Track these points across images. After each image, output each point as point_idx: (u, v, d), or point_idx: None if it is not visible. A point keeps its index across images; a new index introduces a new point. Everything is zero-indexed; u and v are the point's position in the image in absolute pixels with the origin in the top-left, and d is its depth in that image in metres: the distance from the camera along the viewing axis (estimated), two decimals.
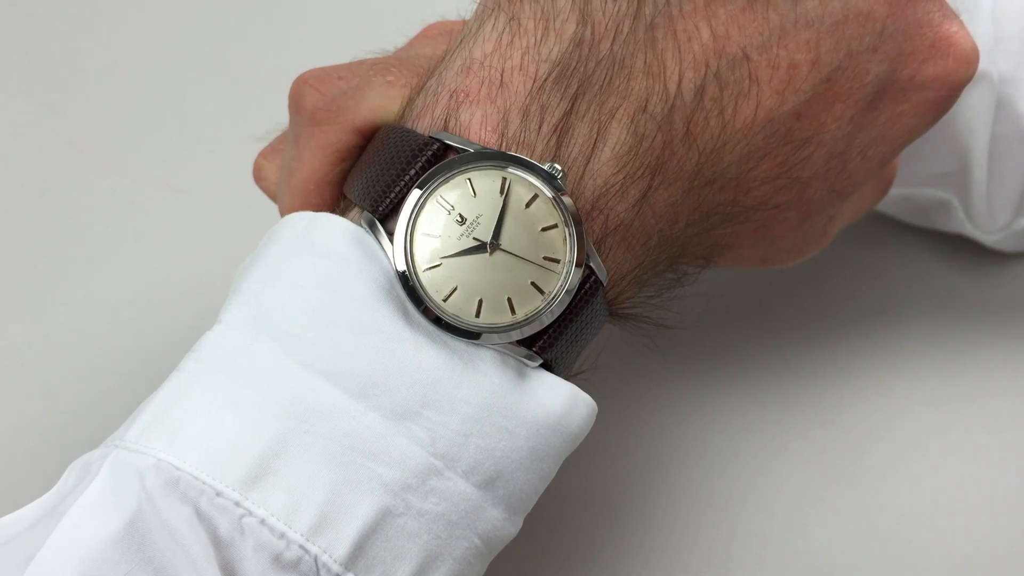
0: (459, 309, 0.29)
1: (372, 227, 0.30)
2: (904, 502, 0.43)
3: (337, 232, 0.30)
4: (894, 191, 0.45)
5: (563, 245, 0.30)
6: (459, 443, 0.29)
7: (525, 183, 0.30)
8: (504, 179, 0.30)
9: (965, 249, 0.49)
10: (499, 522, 0.30)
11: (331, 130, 0.33)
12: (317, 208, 0.34)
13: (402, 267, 0.29)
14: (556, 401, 0.30)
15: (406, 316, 0.29)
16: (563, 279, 0.30)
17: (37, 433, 0.44)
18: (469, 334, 0.29)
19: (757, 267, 0.39)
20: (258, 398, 0.28)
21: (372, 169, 0.31)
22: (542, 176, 0.29)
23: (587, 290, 0.30)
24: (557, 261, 0.30)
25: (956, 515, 0.43)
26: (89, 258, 0.50)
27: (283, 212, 0.35)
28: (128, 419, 0.29)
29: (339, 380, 0.28)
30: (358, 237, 0.30)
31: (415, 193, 0.30)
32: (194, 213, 0.52)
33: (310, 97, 0.34)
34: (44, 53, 0.58)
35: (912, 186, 0.46)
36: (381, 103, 0.33)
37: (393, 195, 0.30)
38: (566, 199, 0.29)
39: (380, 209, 0.30)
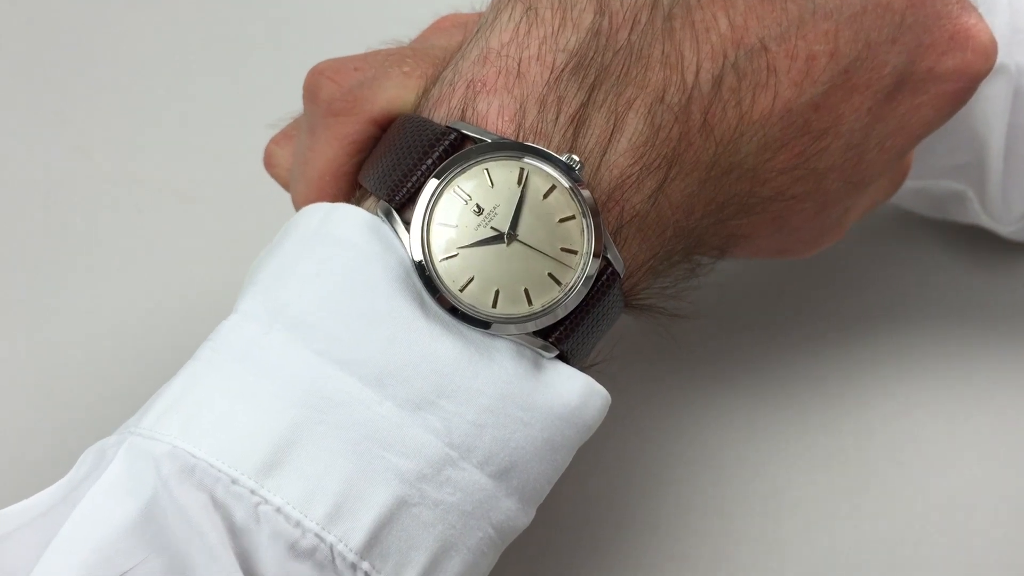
0: (475, 299, 0.29)
1: (388, 216, 0.30)
2: (911, 508, 0.43)
3: (354, 222, 0.30)
4: (909, 183, 0.45)
5: (580, 236, 0.29)
6: (474, 434, 0.29)
7: (543, 174, 0.29)
8: (522, 170, 0.30)
9: (977, 254, 0.49)
10: (513, 512, 0.30)
11: (348, 121, 0.33)
12: (333, 199, 0.34)
13: (419, 256, 0.29)
14: (571, 392, 0.30)
15: (422, 306, 0.29)
16: (580, 271, 0.29)
17: (41, 441, 0.44)
18: (485, 324, 0.29)
19: (773, 258, 0.39)
20: (273, 387, 0.28)
21: (388, 158, 0.31)
22: (560, 167, 0.29)
23: (604, 282, 0.30)
24: (574, 252, 0.29)
25: (964, 521, 0.42)
26: (95, 266, 0.50)
27: (298, 202, 0.35)
28: (143, 407, 0.29)
29: (354, 369, 0.28)
30: (374, 227, 0.30)
31: (432, 183, 0.30)
32: (201, 221, 0.51)
33: (327, 88, 0.34)
34: (49, 59, 0.58)
35: (928, 178, 0.45)
36: (398, 93, 0.33)
37: (410, 184, 0.30)
38: (584, 191, 0.29)
39: (396, 198, 0.30)
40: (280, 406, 0.28)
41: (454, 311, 0.29)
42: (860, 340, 0.47)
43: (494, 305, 0.29)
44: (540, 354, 0.30)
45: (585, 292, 0.29)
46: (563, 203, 0.29)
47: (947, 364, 0.47)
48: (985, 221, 0.46)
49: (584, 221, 0.29)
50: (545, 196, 0.30)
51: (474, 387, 0.29)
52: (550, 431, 0.29)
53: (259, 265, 0.31)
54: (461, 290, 0.29)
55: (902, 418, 0.45)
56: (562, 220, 0.30)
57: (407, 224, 0.30)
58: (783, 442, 0.44)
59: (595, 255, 0.29)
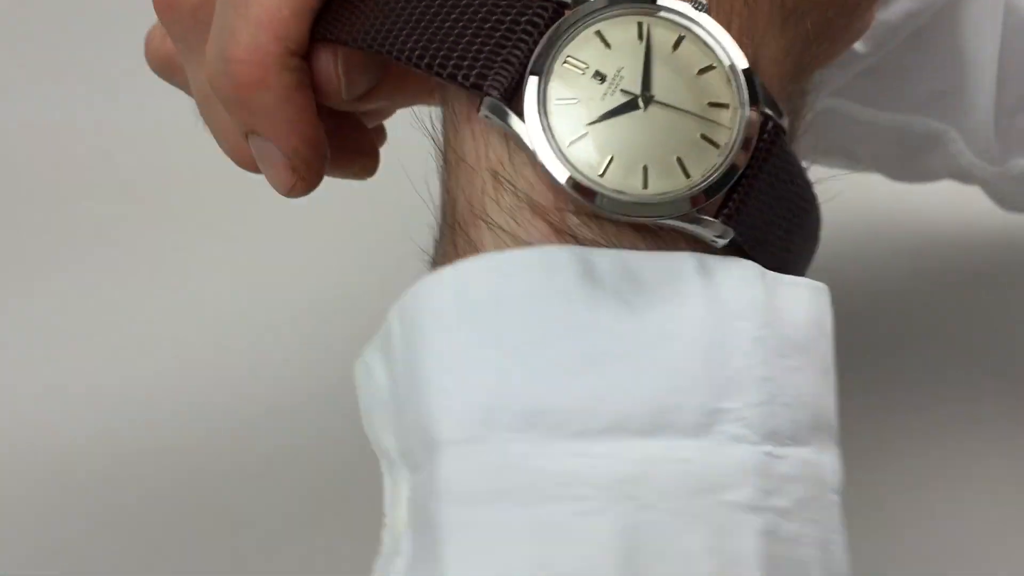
0: (620, 183, 0.23)
1: (496, 112, 0.24)
2: (922, 549, 0.41)
3: (494, 273, 0.24)
4: (885, 116, 0.41)
5: (728, 87, 0.24)
6: (769, 414, 0.23)
7: (666, 23, 0.25)
8: (640, 23, 0.24)
9: (988, 286, 0.49)
10: (833, 464, 0.24)
11: None
12: (291, 42, 0.27)
13: (543, 143, 0.24)
14: (808, 305, 0.24)
15: (627, 304, 0.23)
16: (737, 126, 0.24)
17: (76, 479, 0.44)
18: (646, 207, 0.23)
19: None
20: (570, 508, 0.22)
21: (444, 29, 0.25)
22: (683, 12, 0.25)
23: (767, 138, 0.25)
24: (725, 106, 0.24)
25: (977, 562, 0.41)
26: (139, 305, 0.50)
27: (237, 53, 0.27)
28: None
29: (623, 427, 0.22)
30: (516, 261, 0.24)
31: (538, 58, 0.24)
32: (245, 262, 0.52)
33: None
34: (95, 100, 0.60)
35: (904, 111, 0.42)
36: None
37: (513, 65, 0.24)
38: (720, 32, 0.25)
39: (500, 82, 0.24)
40: (590, 523, 0.22)
41: (589, 195, 0.23)
42: (865, 380, 0.45)
43: (645, 185, 0.24)
44: (713, 242, 0.24)
45: (750, 148, 0.24)
46: (698, 53, 0.24)
47: (959, 397, 0.46)
48: (968, 162, 0.42)
49: (727, 70, 0.25)
50: (675, 47, 0.25)
51: (740, 365, 0.23)
52: (819, 361, 0.24)
53: (410, 374, 0.24)
54: (601, 176, 0.24)
55: (913, 456, 0.44)
56: (701, 71, 0.24)
57: (518, 114, 0.24)
58: None
59: (751, 105, 0.24)
